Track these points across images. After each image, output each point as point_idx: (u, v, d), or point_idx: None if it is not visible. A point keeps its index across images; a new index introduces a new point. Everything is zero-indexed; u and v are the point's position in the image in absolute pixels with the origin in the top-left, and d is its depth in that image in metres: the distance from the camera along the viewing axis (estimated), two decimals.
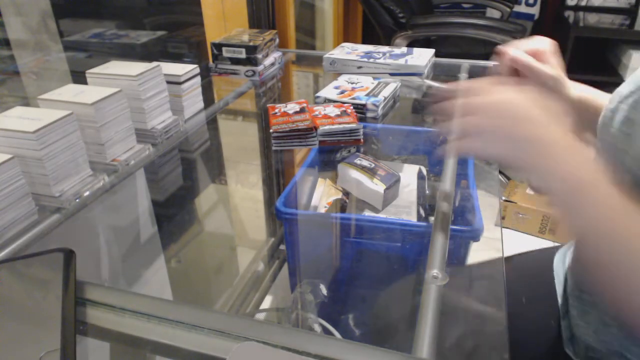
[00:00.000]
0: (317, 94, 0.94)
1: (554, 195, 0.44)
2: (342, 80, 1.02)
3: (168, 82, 0.81)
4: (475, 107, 0.48)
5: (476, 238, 0.80)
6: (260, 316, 1.30)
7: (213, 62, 1.08)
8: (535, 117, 0.45)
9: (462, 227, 0.81)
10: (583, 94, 0.64)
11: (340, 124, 0.81)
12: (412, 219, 0.94)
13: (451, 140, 0.50)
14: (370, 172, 0.96)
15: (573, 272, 0.66)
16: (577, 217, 0.43)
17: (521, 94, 0.47)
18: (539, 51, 0.60)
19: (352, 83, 1.00)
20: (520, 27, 1.92)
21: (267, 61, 1.10)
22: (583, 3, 2.58)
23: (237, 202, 1.53)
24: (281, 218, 0.91)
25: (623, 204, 0.41)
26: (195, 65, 0.87)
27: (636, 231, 0.40)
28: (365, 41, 2.67)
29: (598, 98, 0.63)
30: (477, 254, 0.82)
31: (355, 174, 0.97)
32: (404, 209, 0.96)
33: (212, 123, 0.96)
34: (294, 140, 0.60)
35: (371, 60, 1.08)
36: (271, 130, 0.60)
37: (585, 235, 0.43)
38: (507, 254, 0.75)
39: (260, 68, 1.06)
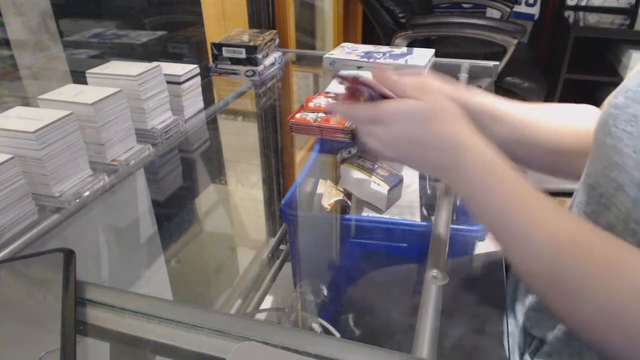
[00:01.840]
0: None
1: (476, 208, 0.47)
2: None
3: (168, 82, 0.81)
4: (385, 114, 0.49)
5: (482, 237, 0.80)
6: (260, 316, 1.30)
7: (213, 62, 1.08)
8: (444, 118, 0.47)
9: (469, 226, 0.81)
10: (482, 102, 0.61)
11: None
12: (416, 219, 0.93)
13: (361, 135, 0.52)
14: (373, 173, 0.96)
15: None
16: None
17: (430, 101, 0.48)
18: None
19: None
20: (520, 27, 1.92)
21: (267, 61, 1.10)
22: (583, 3, 2.58)
23: (237, 202, 1.53)
24: (286, 220, 0.91)
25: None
26: (195, 65, 0.87)
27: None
28: (365, 41, 2.67)
29: (495, 105, 0.61)
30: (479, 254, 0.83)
31: (358, 175, 0.97)
32: (408, 209, 0.96)
33: (212, 123, 0.96)
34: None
35: (371, 60, 1.07)
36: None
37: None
38: None
39: (260, 68, 1.06)
